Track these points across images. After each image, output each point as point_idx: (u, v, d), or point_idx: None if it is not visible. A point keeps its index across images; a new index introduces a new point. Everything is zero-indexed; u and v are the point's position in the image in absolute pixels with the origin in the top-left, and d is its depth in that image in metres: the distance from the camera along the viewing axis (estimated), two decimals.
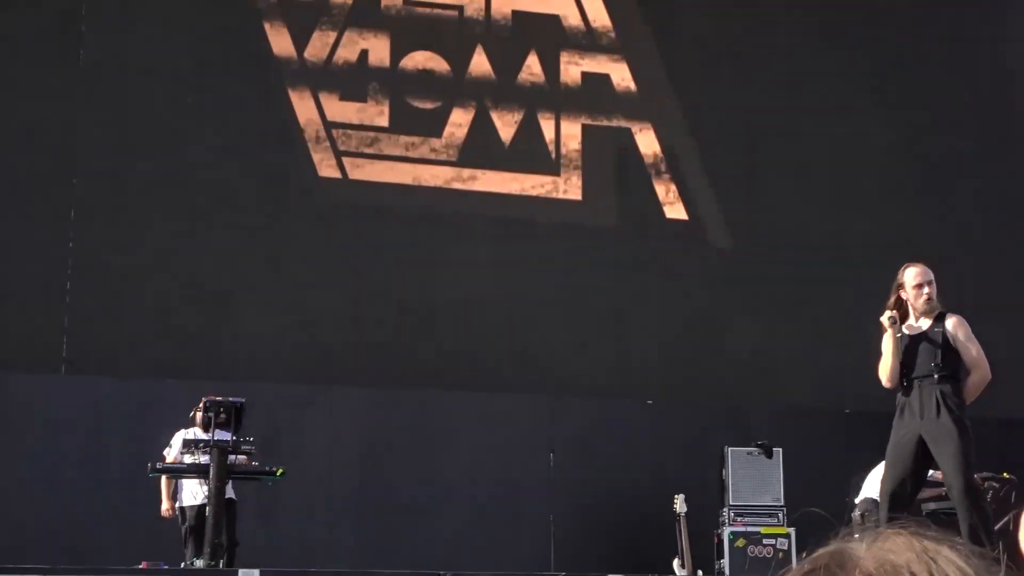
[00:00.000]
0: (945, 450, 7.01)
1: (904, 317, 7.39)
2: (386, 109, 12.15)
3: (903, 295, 7.39)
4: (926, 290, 7.33)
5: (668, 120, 12.77)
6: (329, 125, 11.95)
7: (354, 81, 12.10)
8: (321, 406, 11.27)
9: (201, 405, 9.25)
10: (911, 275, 7.39)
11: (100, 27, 11.48)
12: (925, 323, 7.37)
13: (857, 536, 0.95)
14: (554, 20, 12.72)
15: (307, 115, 11.90)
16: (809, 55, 13.29)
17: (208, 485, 8.78)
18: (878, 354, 7.43)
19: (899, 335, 7.27)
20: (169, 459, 9.39)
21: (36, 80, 11.23)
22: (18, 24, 11.28)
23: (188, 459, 8.94)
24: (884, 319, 7.27)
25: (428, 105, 12.26)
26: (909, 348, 7.28)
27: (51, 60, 11.32)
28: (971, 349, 7.35)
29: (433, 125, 12.23)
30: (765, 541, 10.59)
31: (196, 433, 9.41)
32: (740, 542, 10.57)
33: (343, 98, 12.03)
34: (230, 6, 11.96)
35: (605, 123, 12.66)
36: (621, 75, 12.77)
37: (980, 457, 7.25)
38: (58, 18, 11.39)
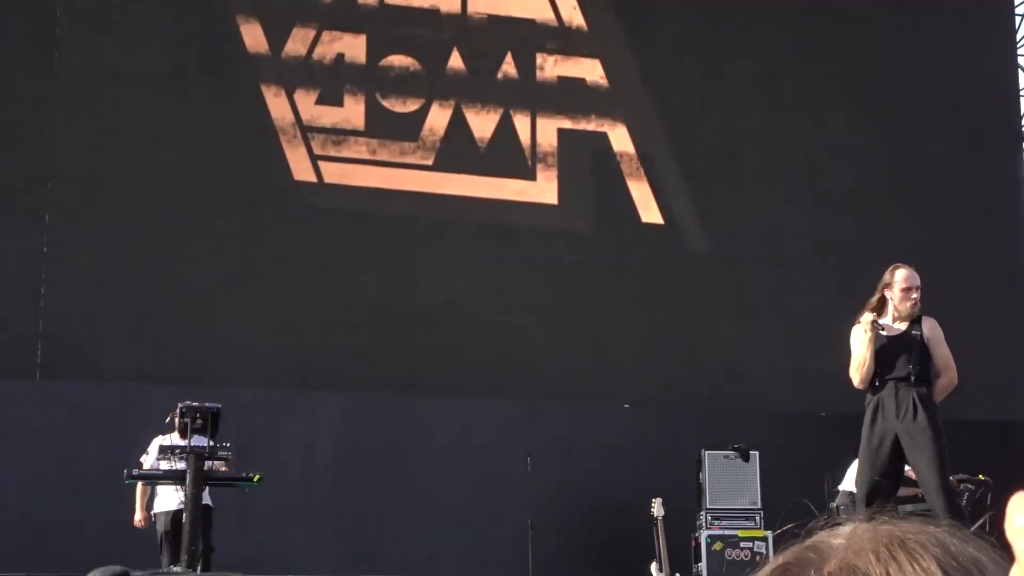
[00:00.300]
0: (922, 450, 7.05)
1: (879, 315, 7.42)
2: (362, 112, 12.13)
3: (887, 294, 7.42)
4: (914, 295, 7.36)
5: (643, 124, 12.79)
6: (305, 128, 11.93)
7: (330, 83, 12.08)
8: (299, 411, 11.24)
9: (177, 410, 9.20)
10: (901, 277, 7.41)
11: (75, 30, 11.43)
12: (900, 325, 7.41)
13: (837, 525, 0.94)
14: (529, 22, 12.72)
15: (283, 118, 11.88)
16: (785, 59, 13.34)
17: (184, 491, 8.73)
18: (849, 354, 7.45)
19: (875, 337, 7.29)
20: (147, 465, 9.33)
21: (10, 83, 11.17)
22: None
23: (164, 465, 8.89)
24: (866, 322, 7.29)
25: (404, 108, 12.25)
26: (885, 348, 7.31)
27: (26, 63, 11.27)
28: (944, 353, 7.42)
29: (409, 128, 12.22)
30: (742, 544, 10.60)
31: (173, 439, 9.36)
32: (717, 545, 10.59)
33: (319, 102, 12.02)
34: (206, 9, 11.92)
35: (581, 127, 12.68)
36: (596, 78, 12.79)
37: (955, 459, 7.29)
38: (33, 21, 11.34)
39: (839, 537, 0.92)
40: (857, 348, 7.34)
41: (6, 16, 11.28)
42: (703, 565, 10.54)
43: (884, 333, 7.36)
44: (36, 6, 11.40)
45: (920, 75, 13.63)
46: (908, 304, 7.35)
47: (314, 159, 11.91)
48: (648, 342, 12.35)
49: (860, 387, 7.37)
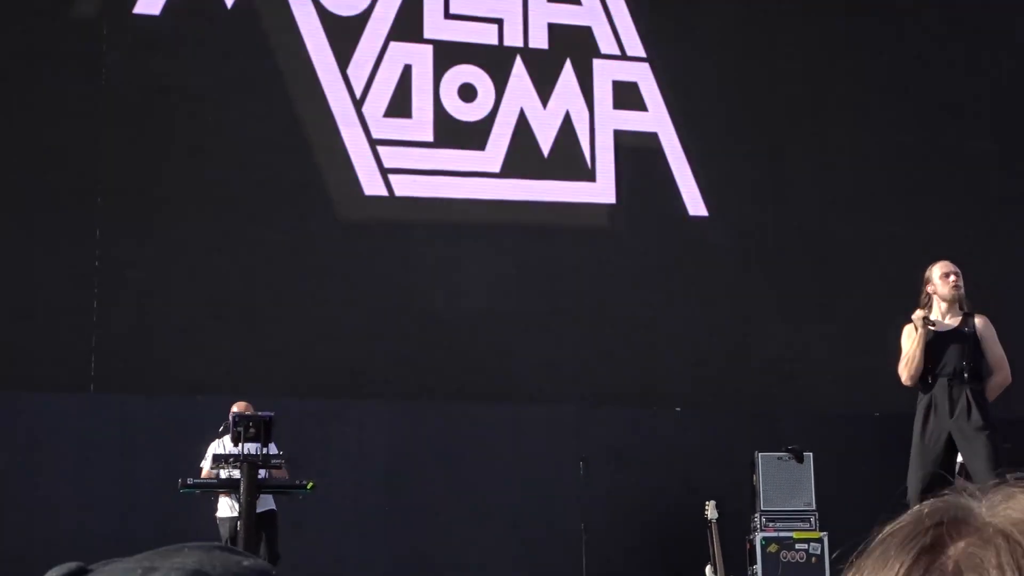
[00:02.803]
0: (976, 449, 6.99)
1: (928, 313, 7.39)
2: (429, 124, 12.15)
3: (929, 290, 7.38)
4: (952, 278, 7.33)
5: (693, 125, 12.74)
6: (352, 139, 11.96)
7: (377, 96, 12.11)
8: (349, 420, 11.27)
9: (230, 419, 9.25)
10: (938, 266, 7.41)
11: (121, 46, 11.53)
12: (951, 321, 7.35)
13: (970, 493, 0.90)
14: (585, 31, 12.71)
15: (327, 130, 11.92)
16: (830, 56, 13.25)
17: (238, 500, 8.79)
18: (900, 352, 7.40)
19: (926, 334, 7.24)
20: (206, 470, 9.43)
21: (59, 100, 11.28)
22: (40, 44, 11.34)
23: (223, 474, 8.94)
24: (917, 318, 7.24)
25: (467, 118, 12.26)
26: (936, 345, 7.26)
27: (74, 80, 11.38)
28: (998, 351, 7.36)
29: (456, 137, 12.23)
30: (797, 546, 10.54)
31: (225, 444, 9.42)
32: (772, 547, 10.52)
33: (367, 111, 12.04)
34: (261, 21, 11.97)
35: (633, 129, 12.63)
36: (648, 81, 12.75)
37: (1017, 457, 7.21)
38: (80, 39, 11.45)
39: (994, 498, 0.88)
40: (906, 344, 7.29)
41: (54, 35, 11.40)
42: (758, 567, 10.49)
43: (935, 329, 7.31)
44: (83, 24, 11.51)
45: (968, 70, 13.50)
46: (949, 287, 7.32)
47: (366, 170, 11.94)
48: (699, 345, 12.30)
49: (908, 383, 7.31)
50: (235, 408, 9.61)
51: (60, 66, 11.35)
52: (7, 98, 11.23)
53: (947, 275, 7.35)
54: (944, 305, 7.39)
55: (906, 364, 7.27)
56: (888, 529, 0.89)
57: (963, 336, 7.28)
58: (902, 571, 0.84)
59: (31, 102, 11.26)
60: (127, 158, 11.37)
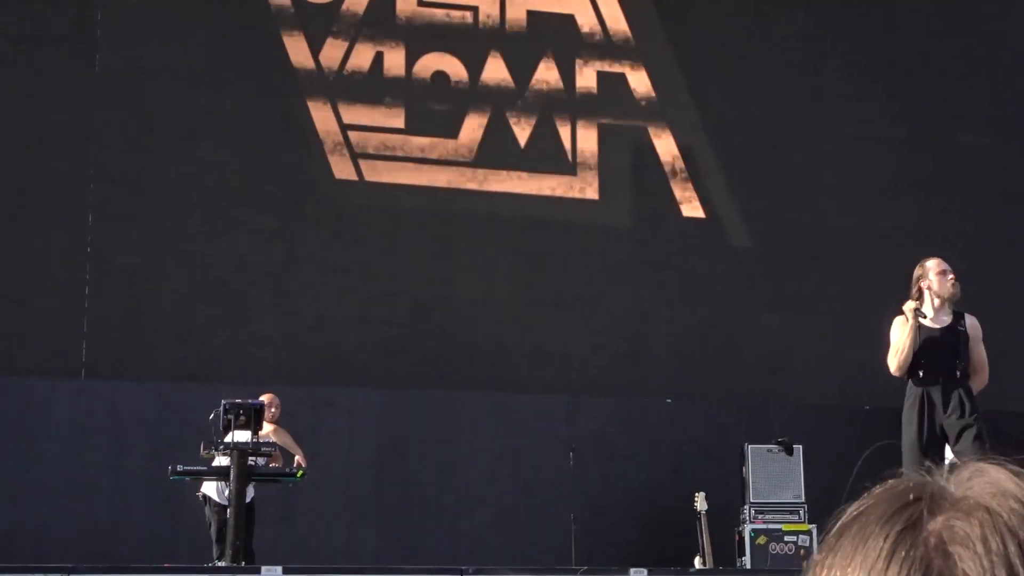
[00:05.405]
0: (967, 446, 7.04)
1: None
2: (402, 112, 12.15)
3: (923, 286, 7.40)
4: (951, 276, 7.36)
5: (684, 118, 12.74)
6: (345, 127, 11.96)
7: (369, 84, 12.10)
8: (339, 408, 11.27)
9: (221, 407, 9.21)
10: (933, 263, 7.42)
11: (116, 30, 11.51)
12: (945, 318, 7.38)
13: (938, 473, 0.91)
14: (569, 20, 12.69)
15: (322, 117, 11.91)
16: (825, 49, 13.25)
17: (228, 487, 8.77)
18: (888, 343, 7.44)
19: (917, 326, 7.28)
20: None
21: (52, 84, 11.26)
22: (34, 29, 11.31)
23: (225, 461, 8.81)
24: (909, 309, 7.27)
25: (444, 107, 12.25)
26: (931, 342, 7.29)
27: (67, 64, 11.35)
28: (982, 353, 7.45)
29: (449, 127, 12.23)
30: (786, 538, 10.56)
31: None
32: (761, 539, 10.55)
33: (358, 101, 12.04)
34: (245, 9, 11.97)
35: (621, 122, 12.64)
36: (636, 74, 12.75)
37: (1009, 451, 7.24)
38: (74, 23, 11.42)
39: (968, 473, 0.89)
40: (897, 335, 7.32)
41: (48, 18, 11.37)
42: (747, 559, 10.51)
43: (928, 324, 7.34)
44: (77, 8, 11.48)
45: (962, 64, 13.51)
46: (948, 285, 7.35)
47: (354, 157, 11.94)
48: (690, 336, 12.31)
49: (897, 374, 7.35)
50: (263, 399, 9.47)
51: (54, 50, 11.32)
52: None
53: (944, 272, 7.37)
54: (937, 301, 7.41)
55: (895, 354, 7.30)
56: (858, 508, 0.89)
57: (957, 335, 7.33)
58: (884, 548, 0.84)
59: (24, 86, 11.23)
60: (119, 143, 11.35)
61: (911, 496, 0.87)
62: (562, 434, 11.43)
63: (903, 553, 0.84)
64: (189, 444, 9.73)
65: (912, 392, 7.33)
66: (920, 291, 7.43)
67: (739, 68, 12.96)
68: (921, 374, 7.28)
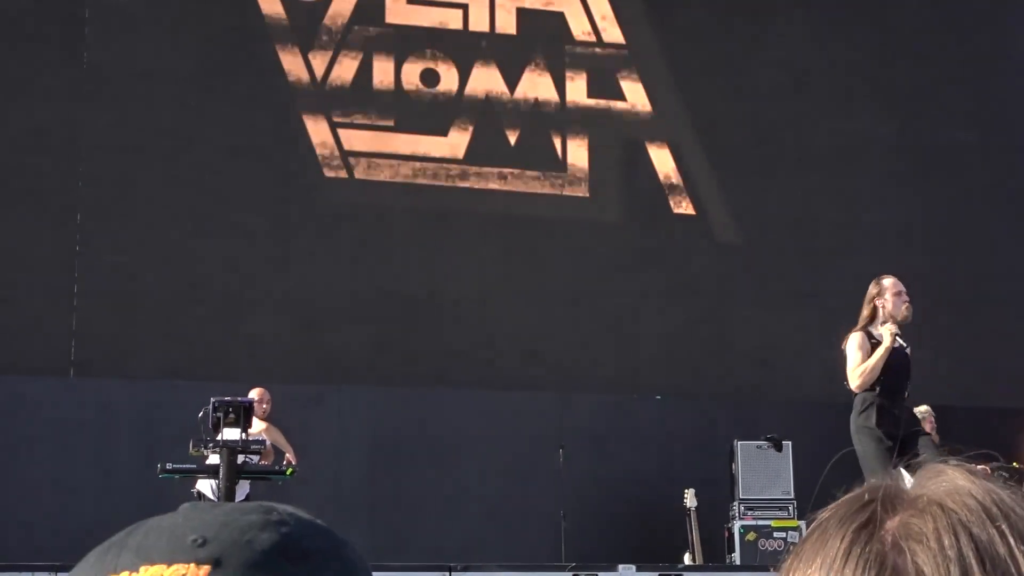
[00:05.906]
0: (927, 453, 7.28)
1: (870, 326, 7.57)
2: (391, 110, 12.14)
3: (878, 303, 7.47)
4: (906, 298, 7.46)
5: (673, 115, 12.75)
6: (334, 125, 11.95)
7: (358, 83, 12.09)
8: (329, 405, 11.27)
9: (210, 405, 9.19)
10: (890, 283, 7.52)
11: (104, 30, 11.49)
12: (898, 340, 7.55)
13: (900, 474, 0.93)
14: (559, 21, 12.69)
15: (312, 115, 11.90)
16: (814, 46, 13.27)
17: (218, 485, 8.76)
18: (847, 359, 7.57)
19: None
20: None
21: (40, 83, 11.24)
22: (22, 27, 11.29)
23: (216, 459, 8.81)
24: (888, 331, 7.35)
25: (433, 105, 12.25)
26: (893, 363, 7.42)
27: (55, 63, 11.33)
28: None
29: (438, 125, 12.22)
30: (776, 534, 10.58)
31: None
32: (751, 536, 10.57)
33: (348, 100, 12.03)
34: (234, 8, 11.96)
35: (611, 120, 12.65)
36: (626, 72, 12.76)
37: (986, 447, 7.31)
38: (62, 22, 11.40)
39: (926, 474, 0.91)
40: (861, 354, 7.39)
41: (35, 17, 11.35)
42: (736, 555, 10.53)
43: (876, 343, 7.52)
44: (65, 7, 11.46)
45: (950, 62, 13.53)
46: (903, 307, 7.45)
47: (344, 155, 11.93)
48: (679, 333, 12.32)
49: (857, 391, 7.48)
50: (253, 394, 9.51)
51: (41, 49, 11.29)
52: None
53: (900, 294, 7.48)
54: (894, 317, 7.55)
55: (865, 373, 7.42)
56: (823, 514, 0.91)
57: (906, 356, 7.52)
58: (842, 548, 0.86)
59: (11, 85, 11.21)
60: (108, 142, 11.33)
61: (867, 497, 0.89)
62: (552, 431, 11.44)
63: (859, 550, 0.85)
64: (179, 442, 9.73)
65: (866, 399, 7.47)
66: (874, 309, 7.52)
67: (728, 66, 12.97)
68: (878, 389, 7.44)
